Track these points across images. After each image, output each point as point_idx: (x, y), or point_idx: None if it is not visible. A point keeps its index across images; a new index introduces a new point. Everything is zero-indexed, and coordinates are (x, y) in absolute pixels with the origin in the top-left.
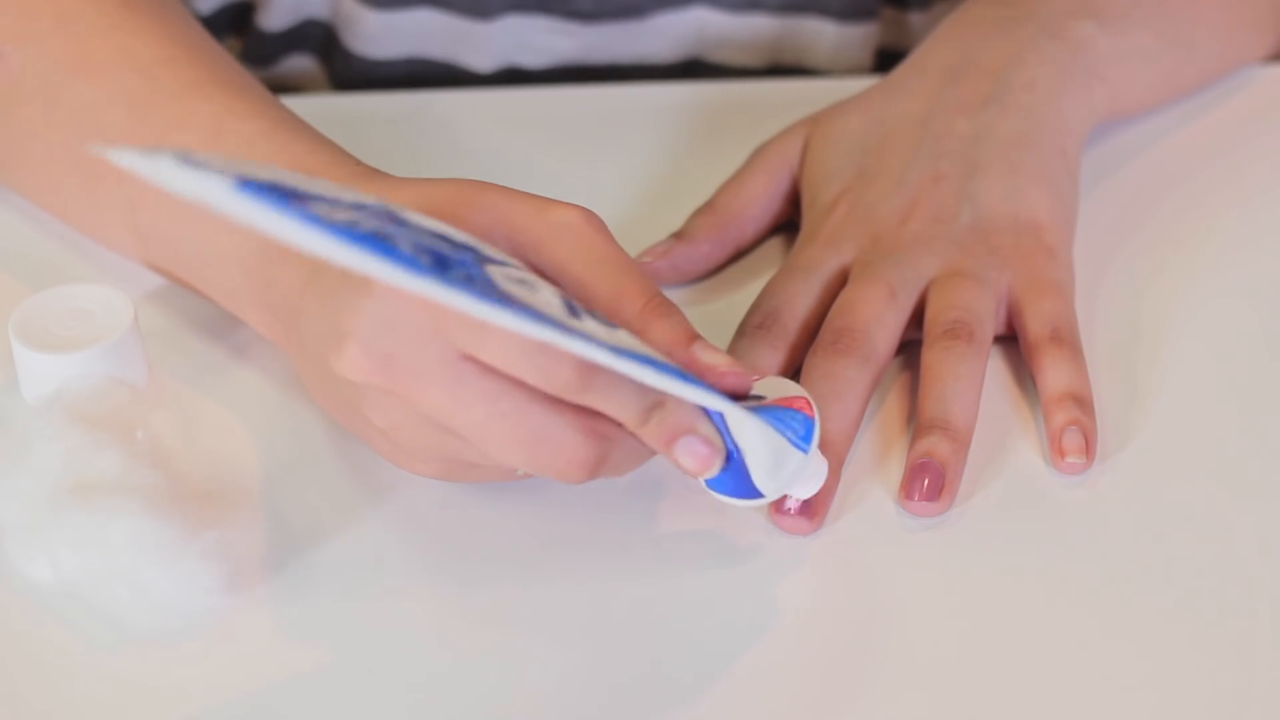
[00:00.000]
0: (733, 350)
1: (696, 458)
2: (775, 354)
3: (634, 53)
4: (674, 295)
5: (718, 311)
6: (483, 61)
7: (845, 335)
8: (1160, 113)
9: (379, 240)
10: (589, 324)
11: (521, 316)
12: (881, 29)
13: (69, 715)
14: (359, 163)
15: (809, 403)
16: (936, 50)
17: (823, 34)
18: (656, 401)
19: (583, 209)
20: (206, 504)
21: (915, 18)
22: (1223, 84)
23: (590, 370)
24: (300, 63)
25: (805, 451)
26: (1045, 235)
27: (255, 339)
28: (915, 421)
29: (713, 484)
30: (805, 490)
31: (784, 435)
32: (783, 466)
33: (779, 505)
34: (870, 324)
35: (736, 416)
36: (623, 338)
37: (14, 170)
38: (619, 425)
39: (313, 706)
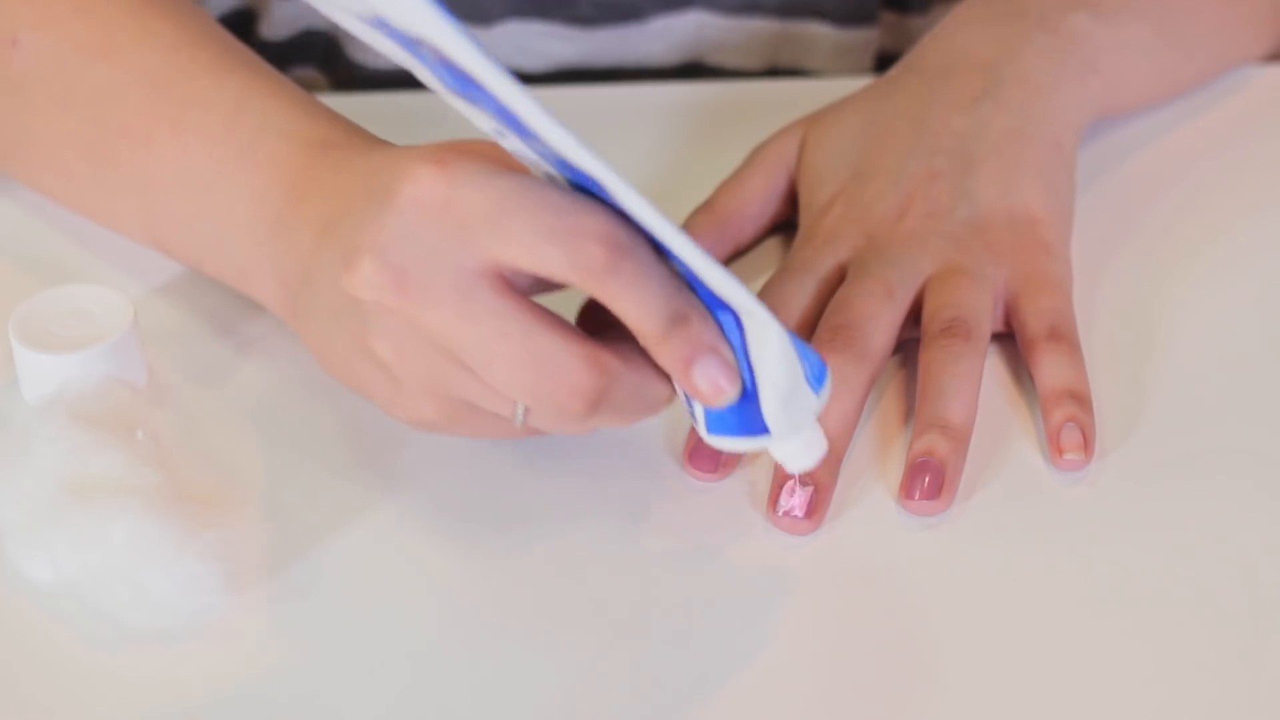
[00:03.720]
0: None
1: (713, 383)
2: None
3: (633, 56)
4: None
5: None
6: None
7: (842, 332)
8: (1158, 112)
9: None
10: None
11: (590, 151)
12: (882, 34)
13: (69, 715)
14: (376, 137)
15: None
16: (931, 49)
17: (821, 38)
18: (681, 314)
19: None
20: (206, 504)
21: (916, 22)
22: (1221, 83)
23: (620, 251)
24: (303, 72)
25: (817, 392)
26: (1042, 230)
27: (255, 339)
28: (914, 420)
29: (716, 425)
30: (803, 457)
31: (802, 364)
32: (795, 399)
33: (777, 506)
34: (867, 321)
35: (761, 323)
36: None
37: (20, 156)
38: (623, 360)
39: (313, 706)
